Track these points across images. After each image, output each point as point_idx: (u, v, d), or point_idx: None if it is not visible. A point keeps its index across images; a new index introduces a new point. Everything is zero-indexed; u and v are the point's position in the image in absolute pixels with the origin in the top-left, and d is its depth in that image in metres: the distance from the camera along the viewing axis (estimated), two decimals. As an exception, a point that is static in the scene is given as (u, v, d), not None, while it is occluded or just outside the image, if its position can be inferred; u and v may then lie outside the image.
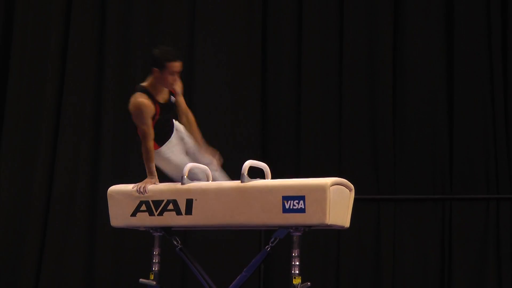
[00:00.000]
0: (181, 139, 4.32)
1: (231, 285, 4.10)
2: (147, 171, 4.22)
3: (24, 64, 6.65)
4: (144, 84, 4.22)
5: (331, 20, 6.43)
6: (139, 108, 4.14)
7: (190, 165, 4.21)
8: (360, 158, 6.22)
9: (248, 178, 3.97)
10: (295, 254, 3.87)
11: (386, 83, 6.25)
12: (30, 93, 6.63)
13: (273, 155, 6.28)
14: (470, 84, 6.15)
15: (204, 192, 4.06)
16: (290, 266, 3.87)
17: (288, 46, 6.47)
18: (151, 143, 4.18)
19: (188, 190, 4.09)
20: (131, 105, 4.17)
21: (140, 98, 4.14)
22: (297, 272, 3.86)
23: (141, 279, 4.27)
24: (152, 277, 4.25)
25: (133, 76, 6.54)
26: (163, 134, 4.26)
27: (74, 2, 6.66)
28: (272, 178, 4.14)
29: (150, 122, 4.15)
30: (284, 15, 6.51)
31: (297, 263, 3.87)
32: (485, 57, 6.15)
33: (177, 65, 4.17)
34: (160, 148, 4.26)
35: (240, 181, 3.97)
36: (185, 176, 4.14)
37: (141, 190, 4.17)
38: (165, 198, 4.13)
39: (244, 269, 4.07)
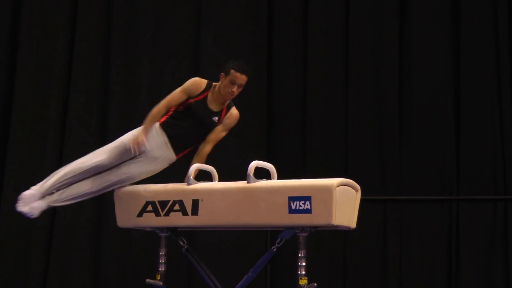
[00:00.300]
0: (154, 158, 4.32)
1: (237, 286, 4.10)
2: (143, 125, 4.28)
3: (30, 64, 6.65)
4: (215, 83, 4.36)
5: (337, 20, 6.44)
6: (193, 81, 4.32)
7: (196, 165, 4.22)
8: (366, 158, 6.22)
9: (254, 178, 3.97)
10: (301, 254, 3.86)
11: (392, 83, 6.25)
12: (37, 94, 6.64)
13: (279, 155, 6.29)
14: (477, 85, 6.16)
15: (210, 192, 4.06)
16: (296, 267, 3.86)
17: (294, 47, 6.49)
18: (163, 105, 4.28)
19: (194, 191, 4.09)
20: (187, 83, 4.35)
21: (199, 78, 4.35)
22: (303, 272, 3.85)
23: (147, 280, 4.29)
24: (158, 277, 4.26)
25: (139, 77, 6.57)
26: (180, 137, 4.30)
27: (81, 2, 6.67)
28: (278, 178, 4.13)
29: (182, 96, 4.29)
30: (290, 16, 6.52)
31: (303, 263, 3.86)
32: (492, 58, 6.16)
33: (240, 77, 4.26)
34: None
35: (246, 181, 3.97)
36: (191, 177, 4.15)
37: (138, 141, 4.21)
38: (171, 198, 4.13)
39: (250, 270, 4.06)
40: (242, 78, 4.27)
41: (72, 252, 6.40)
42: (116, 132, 6.45)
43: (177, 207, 4.11)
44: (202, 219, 4.05)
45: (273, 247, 4.00)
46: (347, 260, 6.14)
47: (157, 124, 4.31)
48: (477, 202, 6.03)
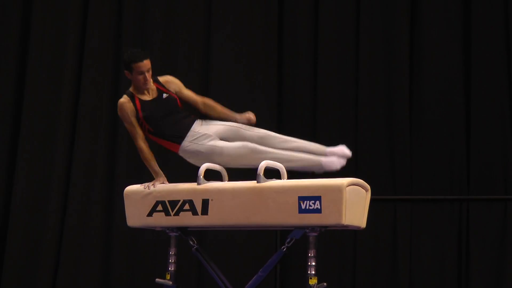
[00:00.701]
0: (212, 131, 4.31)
1: (247, 286, 4.10)
2: (151, 172, 4.31)
3: (41, 64, 6.69)
4: (131, 88, 4.38)
5: (347, 18, 6.44)
6: (119, 108, 4.32)
7: (205, 165, 4.21)
8: (376, 158, 6.22)
9: (264, 178, 3.97)
10: (311, 254, 3.86)
11: (402, 83, 6.24)
12: (47, 94, 6.67)
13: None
14: (487, 84, 6.14)
15: (220, 192, 4.06)
16: (306, 267, 3.86)
17: (304, 44, 6.49)
18: (140, 143, 4.31)
19: (204, 190, 4.09)
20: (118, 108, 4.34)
21: (120, 99, 4.33)
22: (313, 272, 3.85)
23: (157, 279, 4.28)
24: (168, 277, 4.26)
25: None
26: (175, 130, 4.29)
27: (91, 1, 6.70)
28: (288, 178, 4.12)
29: (133, 121, 4.29)
30: (300, 14, 6.52)
31: (313, 263, 3.86)
32: (503, 58, 6.13)
33: (142, 65, 4.27)
34: (181, 144, 4.29)
35: (256, 181, 3.97)
36: (201, 177, 4.14)
37: (149, 186, 4.23)
38: (181, 198, 4.13)
39: (260, 270, 4.07)
40: (145, 64, 4.28)
41: (82, 251, 6.43)
42: (126, 131, 6.48)
43: (187, 206, 4.11)
44: (212, 219, 4.05)
45: (283, 247, 4.00)
46: (357, 260, 6.14)
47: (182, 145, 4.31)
48: (487, 201, 6.02)
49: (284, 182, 4.01)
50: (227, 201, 4.01)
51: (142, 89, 4.32)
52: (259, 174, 3.97)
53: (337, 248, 6.17)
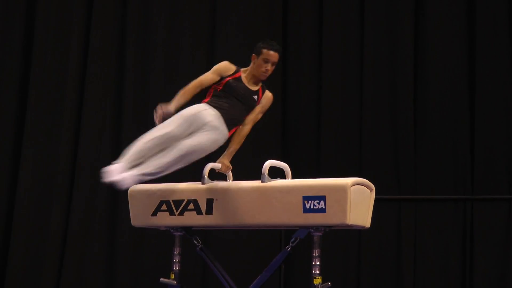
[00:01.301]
0: (216, 128, 4.24)
1: (251, 285, 4.11)
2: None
3: (45, 64, 6.71)
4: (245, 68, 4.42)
5: (352, 19, 6.44)
6: (219, 64, 4.40)
7: (210, 165, 4.22)
8: (381, 158, 6.22)
9: (269, 178, 3.99)
10: (315, 254, 3.87)
11: (407, 83, 6.24)
12: (51, 94, 6.69)
13: (294, 155, 6.29)
14: (491, 84, 6.14)
15: (224, 192, 4.07)
16: (310, 266, 3.87)
17: (309, 46, 6.50)
18: (196, 83, 4.30)
19: (209, 190, 4.11)
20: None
21: (228, 62, 4.42)
22: (317, 272, 3.87)
23: (162, 279, 4.29)
24: (172, 276, 4.27)
25: (152, 75, 6.60)
26: (229, 114, 4.27)
27: (96, 1, 6.72)
28: (293, 178, 4.14)
29: (212, 77, 4.33)
30: (304, 14, 6.53)
31: (318, 263, 3.87)
32: (507, 59, 6.14)
33: (271, 54, 4.33)
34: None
35: (260, 181, 3.98)
36: (206, 176, 4.15)
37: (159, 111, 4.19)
38: (185, 197, 4.14)
39: (265, 269, 4.08)
40: (274, 56, 4.33)
41: (86, 251, 6.44)
42: (130, 131, 6.51)
43: (191, 206, 4.13)
44: (217, 219, 4.06)
45: (287, 247, 4.01)
46: (361, 260, 6.14)
47: (204, 104, 4.27)
48: (491, 201, 6.02)
49: (289, 181, 4.03)
50: (232, 201, 4.02)
51: (256, 76, 4.36)
52: (264, 173, 3.98)
53: (342, 248, 6.17)
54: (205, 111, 4.21)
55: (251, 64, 4.37)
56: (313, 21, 6.50)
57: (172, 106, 4.19)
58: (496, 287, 5.93)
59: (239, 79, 4.34)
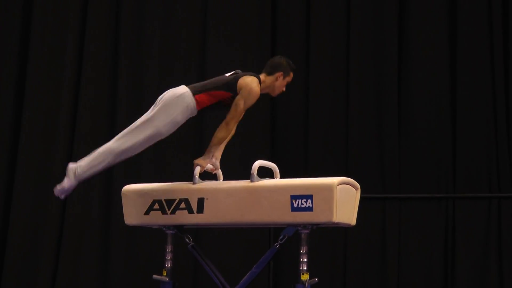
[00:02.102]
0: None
1: (241, 281, 4.14)
2: (208, 149, 4.20)
3: (41, 66, 6.69)
4: (260, 77, 4.26)
5: (338, 25, 6.48)
6: (256, 96, 4.17)
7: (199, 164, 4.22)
8: (366, 158, 6.26)
9: (258, 177, 4.00)
10: (303, 251, 3.89)
11: (391, 84, 6.29)
12: (47, 95, 6.67)
13: (282, 155, 6.31)
14: (473, 86, 6.19)
15: (215, 191, 4.08)
16: (298, 263, 3.90)
17: (297, 47, 6.52)
18: (235, 126, 4.21)
19: (200, 189, 4.11)
20: (253, 88, 4.15)
21: (259, 88, 4.19)
22: (305, 268, 3.89)
23: (154, 275, 4.30)
24: (165, 273, 4.27)
25: (146, 76, 6.63)
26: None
27: (90, 3, 6.73)
28: (281, 177, 4.18)
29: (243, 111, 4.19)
30: (293, 18, 6.57)
31: (305, 259, 3.89)
32: (487, 60, 6.19)
33: (292, 77, 4.31)
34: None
35: (250, 180, 4.01)
36: (197, 176, 4.17)
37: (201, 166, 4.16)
38: (177, 197, 4.14)
39: (254, 266, 4.10)
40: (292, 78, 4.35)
41: (80, 249, 6.44)
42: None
43: (183, 205, 4.13)
44: (207, 217, 4.06)
45: (276, 244, 4.03)
46: (347, 256, 6.18)
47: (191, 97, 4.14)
48: (472, 199, 6.06)
49: (277, 181, 4.05)
50: (222, 200, 4.03)
51: (272, 93, 4.31)
52: (253, 173, 4.00)
53: (328, 245, 6.21)
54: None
55: (272, 79, 4.26)
56: (301, 25, 6.53)
57: (207, 159, 4.17)
58: (477, 282, 5.99)
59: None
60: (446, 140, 6.20)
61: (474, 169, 6.11)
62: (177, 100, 4.12)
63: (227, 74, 4.28)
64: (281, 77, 4.28)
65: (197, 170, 4.10)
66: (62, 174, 6.50)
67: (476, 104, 6.19)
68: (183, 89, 4.17)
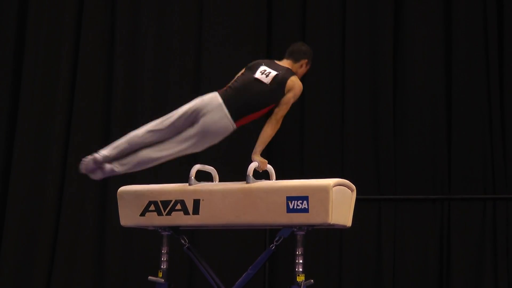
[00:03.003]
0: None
1: (237, 283, 4.15)
2: (258, 150, 4.19)
3: (36, 66, 6.70)
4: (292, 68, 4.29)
5: (334, 24, 6.48)
6: (301, 91, 4.24)
7: (196, 166, 4.25)
8: (362, 159, 6.27)
9: (254, 179, 4.02)
10: (298, 252, 3.91)
11: (387, 86, 6.29)
12: (43, 94, 6.68)
13: (278, 156, 6.31)
14: (468, 87, 6.20)
15: (211, 192, 4.09)
16: (294, 264, 3.91)
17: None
18: (276, 126, 4.26)
19: (195, 191, 4.13)
20: (300, 85, 4.21)
21: (298, 80, 4.24)
22: (300, 269, 3.91)
23: (150, 277, 4.30)
24: (160, 274, 4.29)
25: (141, 74, 6.63)
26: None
27: (86, 4, 6.74)
28: (277, 179, 4.19)
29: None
30: (288, 17, 6.57)
31: (301, 261, 3.91)
32: (483, 61, 6.20)
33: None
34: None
35: (245, 182, 4.02)
36: (192, 177, 4.18)
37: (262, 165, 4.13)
38: (173, 198, 4.16)
39: (250, 267, 4.12)
40: None
41: (76, 250, 6.44)
42: (118, 131, 6.55)
43: (178, 206, 4.14)
44: (203, 218, 4.08)
45: (271, 245, 4.05)
46: (343, 257, 6.18)
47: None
48: (467, 200, 6.07)
49: (273, 182, 4.07)
50: (218, 201, 4.04)
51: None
52: (249, 175, 4.02)
53: (324, 246, 6.21)
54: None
55: (298, 66, 4.30)
56: (296, 24, 6.53)
57: (260, 158, 4.14)
58: (472, 283, 6.00)
59: (271, 60, 4.30)
60: (441, 141, 6.21)
61: (469, 171, 6.12)
62: (218, 130, 4.14)
63: (257, 74, 4.21)
64: (305, 64, 4.34)
65: (253, 166, 4.05)
66: (56, 173, 6.54)
67: (471, 106, 6.20)
68: (222, 115, 4.11)
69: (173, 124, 4.12)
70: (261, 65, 4.26)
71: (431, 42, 6.32)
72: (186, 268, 6.30)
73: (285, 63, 4.32)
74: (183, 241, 4.29)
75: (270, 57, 6.30)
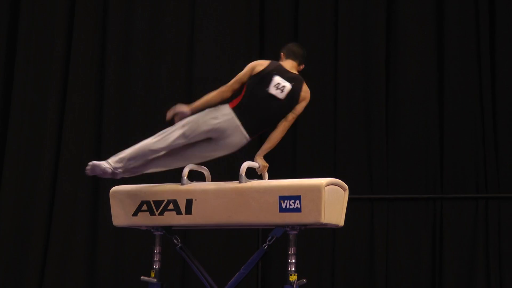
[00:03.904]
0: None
1: (229, 282, 4.15)
2: (264, 153, 4.28)
3: (29, 65, 6.71)
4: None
5: (327, 23, 6.51)
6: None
7: (189, 166, 4.25)
8: (354, 159, 6.29)
9: (246, 178, 4.03)
10: (291, 252, 3.92)
11: (379, 86, 6.31)
12: (35, 94, 6.69)
13: (270, 156, 6.28)
14: (460, 87, 6.22)
15: (203, 192, 4.10)
16: (286, 264, 3.92)
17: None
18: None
19: (188, 191, 4.13)
20: (309, 95, 4.36)
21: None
22: (293, 269, 3.91)
23: (142, 277, 4.30)
24: (153, 274, 4.28)
25: (133, 73, 6.64)
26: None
27: (78, 4, 6.74)
28: (269, 178, 4.20)
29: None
30: (281, 17, 6.59)
31: (294, 260, 3.92)
32: (475, 60, 6.22)
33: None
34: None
35: (238, 181, 4.03)
36: (185, 177, 4.19)
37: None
38: (165, 198, 4.16)
39: (243, 267, 4.12)
40: None
41: (68, 250, 6.45)
42: (111, 131, 6.55)
43: (171, 206, 4.14)
44: (196, 218, 4.08)
45: (264, 245, 4.06)
46: (335, 257, 6.20)
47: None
48: (459, 200, 6.10)
49: (265, 182, 4.07)
50: (210, 201, 4.05)
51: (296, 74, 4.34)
52: (241, 174, 4.02)
53: (317, 246, 6.23)
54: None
55: (300, 68, 4.37)
56: (289, 23, 6.56)
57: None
58: (464, 282, 6.02)
59: (279, 65, 4.30)
60: (433, 140, 6.23)
61: (462, 170, 6.15)
62: (234, 148, 4.25)
63: (272, 89, 4.20)
64: (303, 66, 4.40)
65: (246, 166, 4.08)
66: (48, 174, 6.54)
67: (463, 105, 6.22)
68: (242, 137, 4.20)
69: (191, 140, 4.18)
70: (273, 75, 4.22)
71: (423, 42, 6.35)
72: (179, 268, 6.31)
73: (292, 66, 4.33)
74: (175, 241, 4.28)
75: (262, 56, 6.34)
